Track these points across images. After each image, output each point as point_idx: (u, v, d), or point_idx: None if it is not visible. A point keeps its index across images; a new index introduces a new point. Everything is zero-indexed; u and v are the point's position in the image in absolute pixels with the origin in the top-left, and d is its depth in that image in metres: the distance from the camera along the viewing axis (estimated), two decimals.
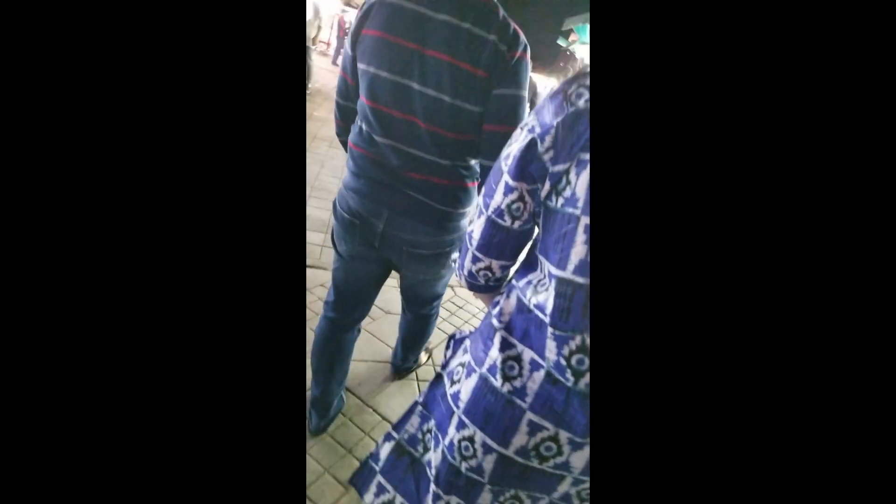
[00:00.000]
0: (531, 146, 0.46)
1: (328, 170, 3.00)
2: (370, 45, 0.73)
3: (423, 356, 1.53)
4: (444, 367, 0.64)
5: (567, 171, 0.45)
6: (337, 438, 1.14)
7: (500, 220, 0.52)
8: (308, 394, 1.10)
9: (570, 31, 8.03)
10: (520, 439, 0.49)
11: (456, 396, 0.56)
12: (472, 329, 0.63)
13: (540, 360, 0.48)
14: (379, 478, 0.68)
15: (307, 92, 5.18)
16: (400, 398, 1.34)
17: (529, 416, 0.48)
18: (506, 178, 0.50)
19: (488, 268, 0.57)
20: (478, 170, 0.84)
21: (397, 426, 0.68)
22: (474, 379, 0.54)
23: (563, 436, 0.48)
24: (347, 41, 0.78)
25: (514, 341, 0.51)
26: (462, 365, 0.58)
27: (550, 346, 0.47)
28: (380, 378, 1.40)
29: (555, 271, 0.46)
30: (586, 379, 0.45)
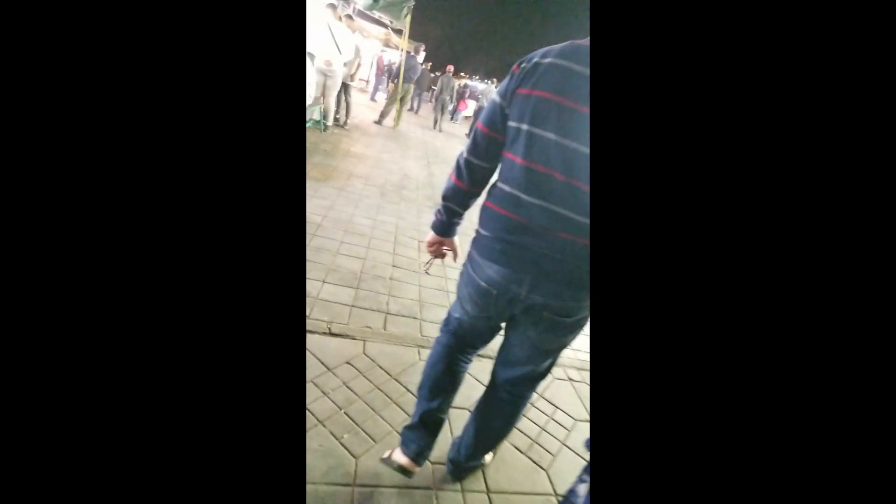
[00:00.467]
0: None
1: (362, 210, 2.78)
2: (534, 105, 0.72)
3: (489, 456, 1.21)
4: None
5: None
6: None
7: None
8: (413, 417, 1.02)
9: None
10: None
11: None
12: None
13: None
14: None
15: (346, 128, 5.17)
16: None
17: None
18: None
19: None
20: None
21: None
22: None
23: None
24: (496, 96, 0.78)
25: None
26: None
27: None
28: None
29: None
30: None
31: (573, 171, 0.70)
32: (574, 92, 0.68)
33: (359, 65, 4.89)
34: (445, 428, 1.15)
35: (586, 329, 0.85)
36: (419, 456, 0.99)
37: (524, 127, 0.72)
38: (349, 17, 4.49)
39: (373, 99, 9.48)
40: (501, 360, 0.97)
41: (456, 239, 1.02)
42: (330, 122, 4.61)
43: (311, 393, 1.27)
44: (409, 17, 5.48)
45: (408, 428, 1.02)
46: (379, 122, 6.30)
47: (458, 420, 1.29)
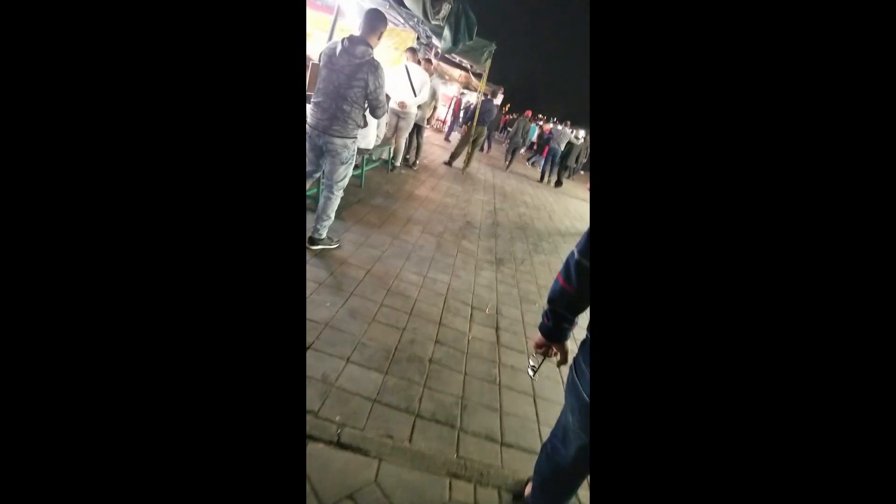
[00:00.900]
0: None
1: (413, 263, 2.50)
2: None
3: None
4: None
5: None
6: None
7: None
8: None
9: None
10: None
11: None
12: None
13: None
14: None
15: (414, 168, 5.10)
16: None
17: None
18: None
19: None
20: None
21: None
22: None
23: None
24: None
25: None
26: None
27: None
28: None
29: None
30: None
31: None
32: None
33: (434, 107, 4.87)
34: None
35: None
36: None
37: None
38: (428, 60, 4.51)
39: (447, 139, 9.63)
40: None
41: (569, 343, 0.91)
42: (398, 163, 4.56)
43: None
44: (489, 62, 5.42)
45: None
46: (449, 164, 6.22)
47: None
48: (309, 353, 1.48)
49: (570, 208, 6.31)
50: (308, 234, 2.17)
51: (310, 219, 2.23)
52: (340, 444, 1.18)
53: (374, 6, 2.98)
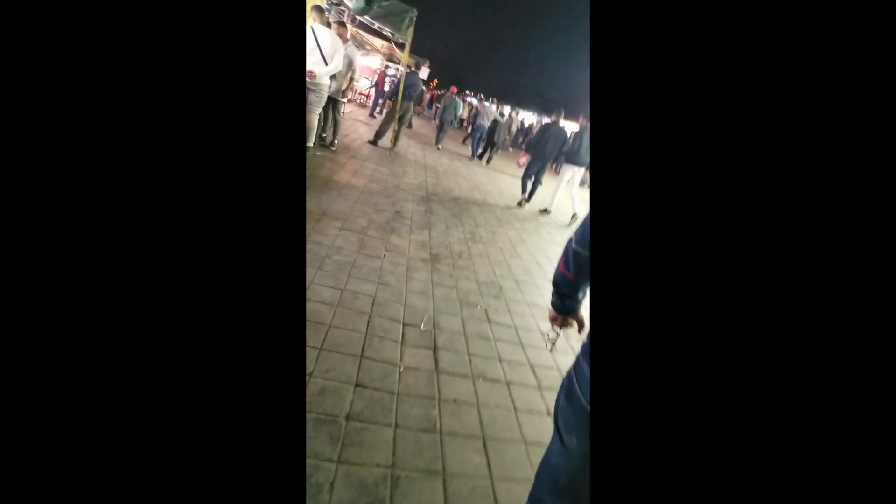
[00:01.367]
0: None
1: (327, 274, 2.02)
2: None
3: None
4: None
5: None
6: None
7: None
8: None
9: None
10: None
11: None
12: None
13: None
14: None
15: (332, 149, 4.46)
16: None
17: None
18: None
19: None
20: None
21: None
22: None
23: None
24: None
25: None
26: None
27: None
28: None
29: None
30: None
31: None
32: None
33: (351, 79, 4.22)
34: None
35: None
36: None
37: None
38: (341, 23, 3.84)
39: (372, 115, 8.87)
40: None
41: (583, 310, 0.92)
42: (311, 143, 3.90)
43: None
44: (411, 30, 4.86)
45: None
46: (374, 143, 5.62)
47: None
48: None
49: (504, 187, 6.14)
50: None
51: None
52: None
53: None
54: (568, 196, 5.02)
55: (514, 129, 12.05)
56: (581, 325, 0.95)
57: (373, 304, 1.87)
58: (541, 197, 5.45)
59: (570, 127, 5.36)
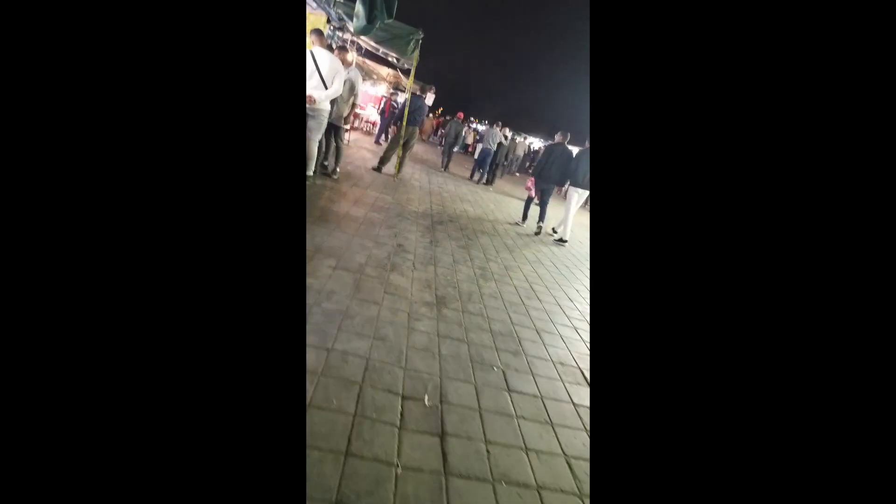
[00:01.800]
0: None
1: (312, 329, 1.67)
2: None
3: None
4: None
5: None
6: None
7: None
8: None
9: None
10: None
11: None
12: None
13: None
14: None
15: (334, 177, 4.22)
16: None
17: None
18: None
19: None
20: None
21: None
22: None
23: None
24: None
25: None
26: None
27: None
28: None
29: None
30: None
31: None
32: None
33: (354, 104, 4.02)
34: None
35: None
36: None
37: None
38: (342, 48, 3.67)
39: (377, 142, 8.76)
40: None
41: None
42: (311, 172, 3.65)
43: None
44: (416, 53, 4.71)
45: None
46: (378, 170, 5.40)
47: None
48: None
49: (513, 213, 5.84)
50: None
51: None
52: None
53: None
54: (580, 223, 4.72)
55: (520, 153, 11.95)
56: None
57: (365, 370, 1.51)
58: (552, 222, 5.15)
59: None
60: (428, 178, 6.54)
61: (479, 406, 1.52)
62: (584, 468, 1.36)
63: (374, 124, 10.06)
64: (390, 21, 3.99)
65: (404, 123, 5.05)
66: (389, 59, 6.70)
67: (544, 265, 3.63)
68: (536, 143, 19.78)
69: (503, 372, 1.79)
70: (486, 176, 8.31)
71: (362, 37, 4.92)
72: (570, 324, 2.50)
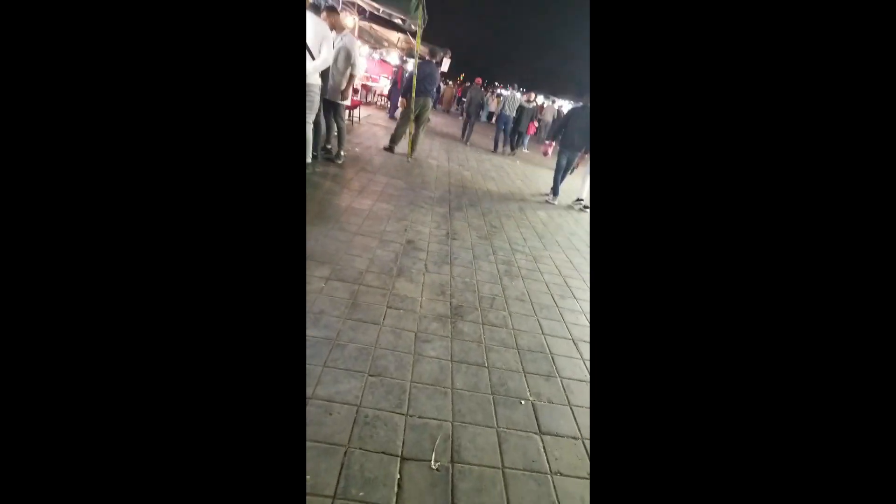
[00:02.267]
0: None
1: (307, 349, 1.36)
2: None
3: None
4: None
5: None
6: None
7: None
8: None
9: None
10: None
11: None
12: None
13: None
14: None
15: (339, 162, 3.85)
16: None
17: None
18: None
19: None
20: None
21: None
22: None
23: None
24: None
25: None
26: None
27: None
28: None
29: None
30: None
31: None
32: None
33: (352, 76, 3.57)
34: None
35: None
36: None
37: None
38: (331, 9, 3.18)
39: (392, 116, 8.26)
40: None
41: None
42: (308, 158, 3.30)
43: None
44: (420, 11, 4.13)
45: None
46: (390, 149, 4.97)
47: None
48: None
49: (542, 185, 5.29)
50: None
51: None
52: None
53: None
54: None
55: (549, 118, 11.05)
56: None
57: (354, 424, 1.18)
58: (570, 189, 4.59)
59: None
60: (447, 155, 6.04)
61: (503, 462, 1.17)
62: None
63: (385, 97, 9.50)
64: None
65: (413, 95, 4.54)
66: (395, 20, 6.08)
67: (580, 251, 3.15)
68: (566, 106, 18.49)
69: (532, 406, 1.42)
70: (506, 145, 7.74)
71: None
72: None
